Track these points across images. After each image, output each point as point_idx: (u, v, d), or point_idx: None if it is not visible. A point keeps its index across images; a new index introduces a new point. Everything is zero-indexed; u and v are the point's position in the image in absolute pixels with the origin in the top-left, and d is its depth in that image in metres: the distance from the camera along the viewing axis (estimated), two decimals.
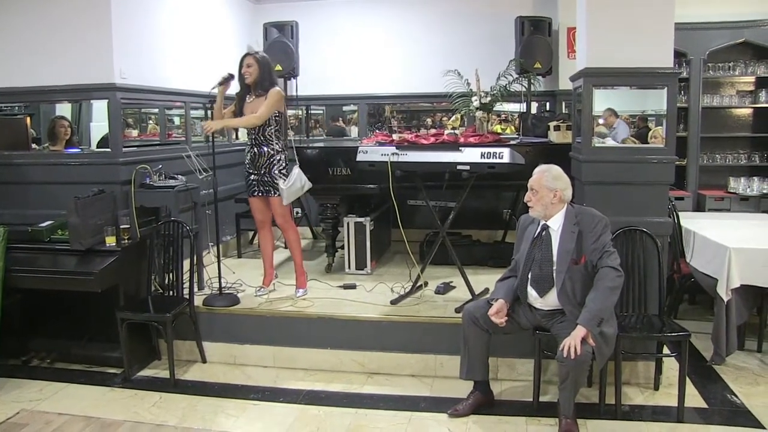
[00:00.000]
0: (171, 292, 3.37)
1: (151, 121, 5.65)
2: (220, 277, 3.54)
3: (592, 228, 2.63)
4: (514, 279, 2.82)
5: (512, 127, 5.61)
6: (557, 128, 4.01)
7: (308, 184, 3.56)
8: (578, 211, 2.72)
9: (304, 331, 3.32)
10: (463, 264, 3.65)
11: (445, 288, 3.81)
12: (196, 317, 3.35)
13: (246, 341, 3.35)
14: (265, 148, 3.42)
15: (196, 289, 3.45)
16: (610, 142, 3.28)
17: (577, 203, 2.82)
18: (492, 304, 2.72)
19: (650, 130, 3.49)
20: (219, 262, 3.56)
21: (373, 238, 4.25)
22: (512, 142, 4.02)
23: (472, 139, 3.86)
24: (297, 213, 4.98)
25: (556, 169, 2.79)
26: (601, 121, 3.20)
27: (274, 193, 3.50)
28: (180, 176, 3.60)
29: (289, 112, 5.22)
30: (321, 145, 4.86)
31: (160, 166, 3.59)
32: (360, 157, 3.52)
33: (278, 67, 4.84)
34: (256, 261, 4.38)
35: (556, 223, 2.72)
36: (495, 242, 4.76)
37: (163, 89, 3.90)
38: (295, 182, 3.47)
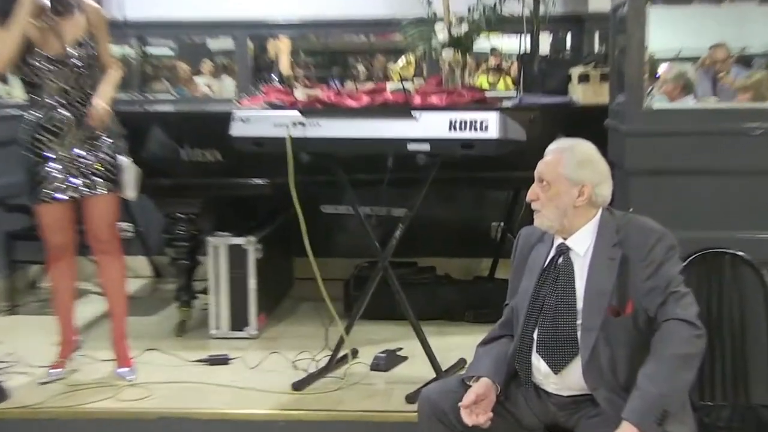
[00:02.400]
0: None
1: None
2: None
3: (647, 252, 2.51)
4: (508, 341, 2.72)
5: (507, 79, 5.74)
6: (584, 78, 4.10)
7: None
8: (621, 223, 2.61)
9: None
10: (421, 317, 3.72)
11: (389, 360, 3.86)
12: None
13: None
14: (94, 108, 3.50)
15: None
16: (686, 103, 3.34)
17: (618, 209, 2.76)
18: (470, 386, 2.60)
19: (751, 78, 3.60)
20: None
21: (262, 275, 4.32)
22: (506, 104, 4.06)
23: (434, 99, 3.88)
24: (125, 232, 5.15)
25: (583, 148, 2.66)
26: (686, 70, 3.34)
27: (105, 188, 3.57)
28: None
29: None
30: (168, 108, 4.94)
31: None
32: (237, 131, 3.57)
33: None
34: (42, 319, 4.40)
35: (582, 243, 2.60)
36: (476, 279, 4.84)
37: None
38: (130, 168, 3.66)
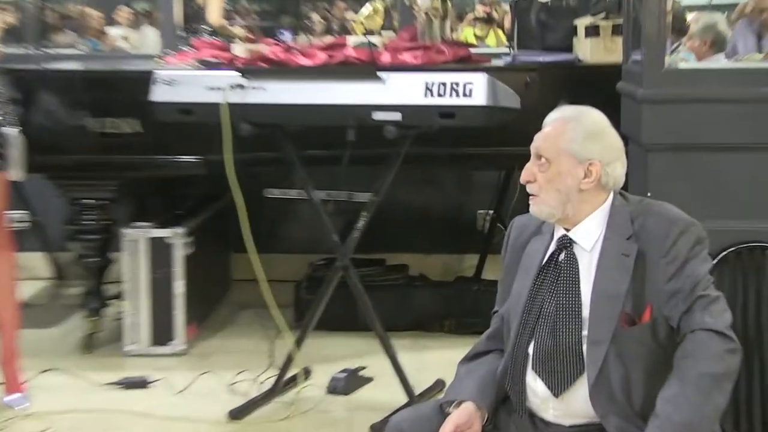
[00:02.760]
0: None
1: None
2: None
3: (669, 246, 2.48)
4: (497, 358, 2.72)
5: (498, 32, 5.77)
6: (593, 31, 4.13)
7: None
8: (637, 211, 2.60)
9: None
10: (390, 328, 3.76)
11: (350, 382, 3.91)
12: None
13: None
14: None
15: None
16: (717, 61, 3.40)
17: (633, 194, 2.77)
18: (449, 413, 2.59)
19: None
20: None
21: (192, 276, 4.36)
22: (496, 63, 4.07)
23: (407, 57, 3.93)
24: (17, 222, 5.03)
25: (592, 118, 2.61)
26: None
27: None
28: None
29: None
30: (73, 66, 4.91)
31: None
32: (160, 95, 3.61)
33: None
34: None
35: (589, 236, 2.58)
36: (459, 280, 4.90)
37: None
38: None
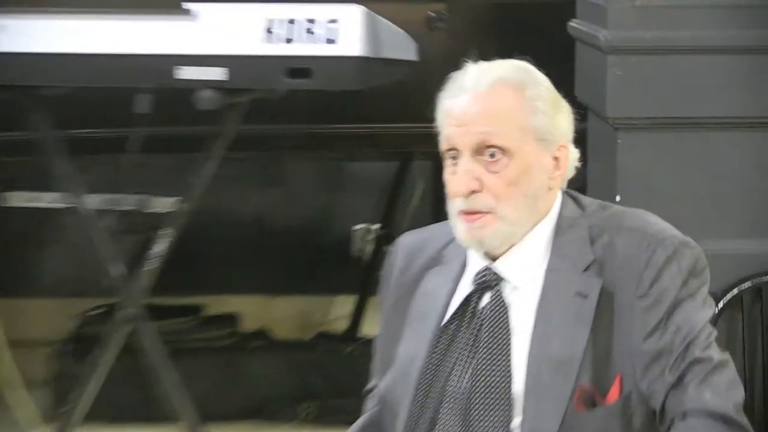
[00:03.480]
0: None
1: None
2: None
3: (649, 282, 2.46)
4: None
5: None
6: None
7: None
8: (601, 225, 2.60)
9: None
10: (211, 416, 3.88)
11: None
12: None
13: None
14: None
15: None
16: None
17: (593, 196, 2.80)
18: None
19: None
20: None
21: None
22: None
23: None
24: None
25: (539, 73, 2.58)
26: None
27: None
28: None
29: None
30: None
31: None
32: None
33: None
34: None
35: (524, 267, 2.56)
36: (322, 337, 5.08)
37: None
38: None
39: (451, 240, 2.57)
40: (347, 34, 3.42)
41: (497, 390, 2.44)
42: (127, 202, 3.95)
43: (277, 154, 4.54)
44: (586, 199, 2.61)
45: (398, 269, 2.67)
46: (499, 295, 2.49)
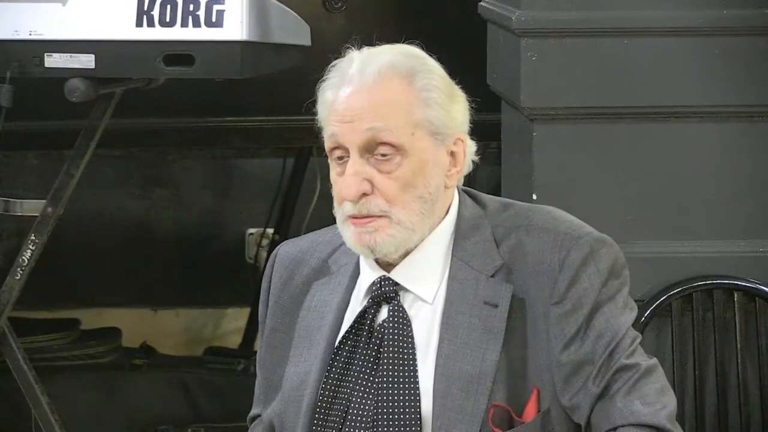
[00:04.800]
0: None
1: None
2: None
3: (564, 285, 2.50)
4: None
5: None
6: None
7: None
8: (506, 225, 2.65)
9: None
10: None
11: None
12: None
13: None
14: None
15: None
16: None
17: (507, 196, 3.00)
18: None
19: None
20: None
21: None
22: None
23: None
24: None
25: (432, 60, 2.63)
26: None
27: None
28: None
29: None
30: None
31: None
32: None
33: None
34: None
35: (425, 276, 2.59)
36: (211, 353, 5.04)
37: None
38: None
39: (338, 247, 2.59)
40: (232, 17, 3.36)
41: (405, 413, 2.45)
42: None
43: (158, 151, 4.53)
44: (485, 197, 2.64)
45: (278, 284, 2.68)
46: (398, 307, 2.50)
